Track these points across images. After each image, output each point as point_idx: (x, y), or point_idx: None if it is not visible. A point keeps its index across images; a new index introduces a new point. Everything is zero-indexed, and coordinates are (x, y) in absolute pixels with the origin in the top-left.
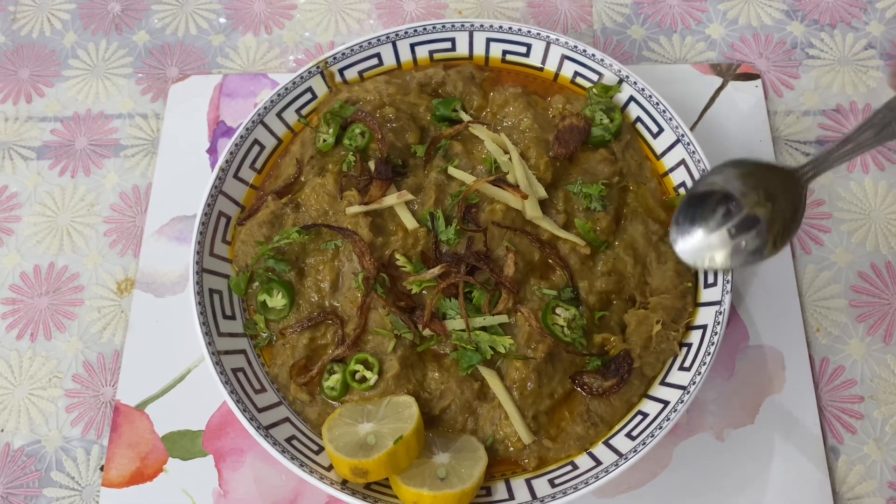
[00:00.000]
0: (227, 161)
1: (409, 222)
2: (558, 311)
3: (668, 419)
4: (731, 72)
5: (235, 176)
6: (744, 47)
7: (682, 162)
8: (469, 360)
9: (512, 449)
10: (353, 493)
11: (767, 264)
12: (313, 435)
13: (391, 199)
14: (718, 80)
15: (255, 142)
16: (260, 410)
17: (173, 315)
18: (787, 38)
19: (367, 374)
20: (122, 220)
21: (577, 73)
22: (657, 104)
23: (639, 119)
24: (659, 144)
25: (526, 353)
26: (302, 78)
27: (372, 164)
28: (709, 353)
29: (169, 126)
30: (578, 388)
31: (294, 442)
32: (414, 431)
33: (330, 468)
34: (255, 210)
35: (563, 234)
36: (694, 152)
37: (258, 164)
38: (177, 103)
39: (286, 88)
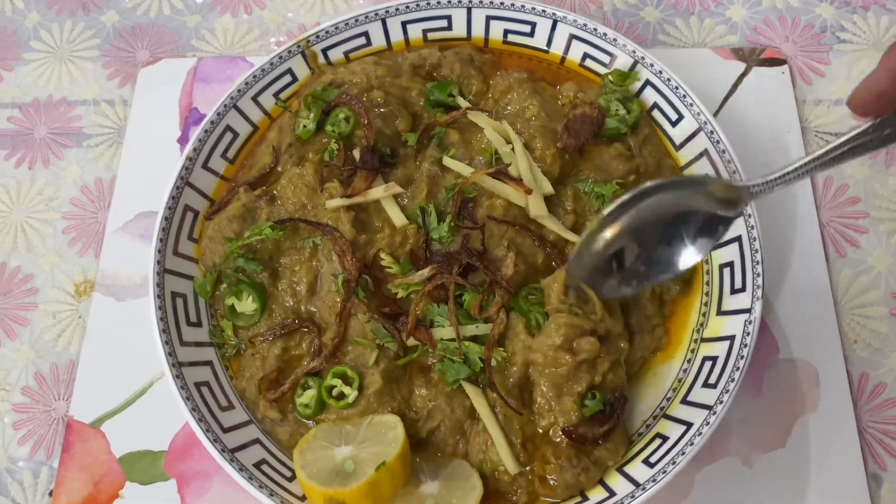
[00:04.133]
0: (195, 149)
1: (397, 218)
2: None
3: (692, 444)
4: (754, 57)
5: (205, 166)
6: (768, 30)
7: (705, 153)
8: (455, 374)
9: (500, 481)
10: None
11: (798, 268)
12: (286, 458)
13: (377, 192)
14: (741, 66)
15: (228, 128)
16: (226, 430)
17: (135, 321)
18: (815, 21)
19: (346, 389)
20: (82, 216)
21: (586, 55)
22: (676, 88)
23: (655, 105)
24: (678, 134)
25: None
26: (281, 58)
27: (357, 153)
28: (738, 368)
29: (137, 113)
30: (573, 441)
31: (264, 467)
32: (399, 456)
33: (304, 498)
34: (225, 203)
35: (571, 236)
36: (718, 141)
37: (230, 154)
38: (146, 89)
39: (263, 70)
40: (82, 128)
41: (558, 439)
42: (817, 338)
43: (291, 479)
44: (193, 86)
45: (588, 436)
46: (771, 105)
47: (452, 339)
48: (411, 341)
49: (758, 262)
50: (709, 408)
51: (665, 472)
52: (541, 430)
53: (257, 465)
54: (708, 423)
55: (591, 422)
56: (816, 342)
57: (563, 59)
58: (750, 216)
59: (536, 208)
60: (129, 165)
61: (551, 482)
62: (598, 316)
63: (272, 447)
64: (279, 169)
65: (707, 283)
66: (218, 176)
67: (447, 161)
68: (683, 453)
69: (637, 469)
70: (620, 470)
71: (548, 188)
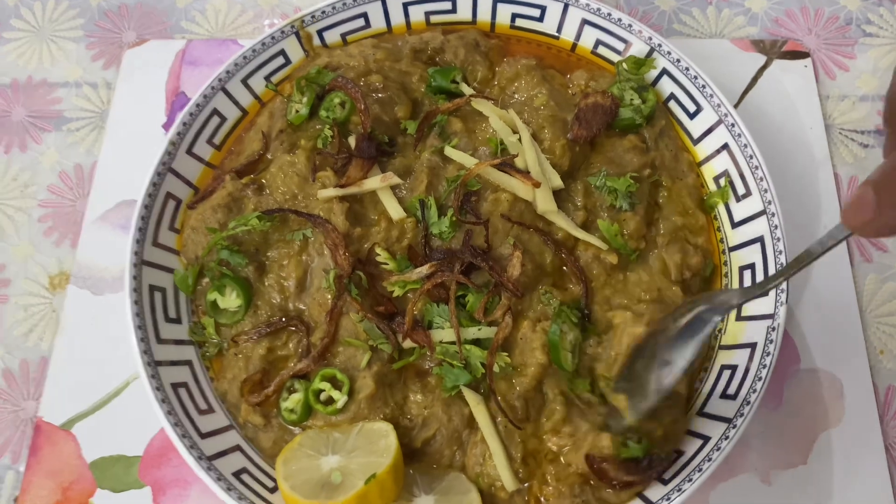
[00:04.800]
0: (178, 133)
1: (395, 211)
2: (566, 328)
3: (710, 459)
4: (775, 49)
5: (189, 152)
6: (790, 22)
7: (725, 147)
8: (454, 379)
9: (496, 497)
10: None
11: (822, 273)
12: (269, 467)
13: (373, 182)
14: (761, 59)
15: (215, 112)
16: (204, 436)
17: (112, 317)
18: (840, 13)
19: (335, 394)
20: (60, 203)
21: (599, 42)
22: (695, 78)
23: (672, 97)
24: (696, 127)
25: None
26: (273, 39)
27: (352, 141)
28: (759, 378)
29: (121, 97)
30: (593, 474)
31: (244, 476)
32: (391, 468)
33: None
34: (209, 192)
35: (582, 234)
36: (740, 135)
37: (217, 139)
38: (132, 71)
39: (254, 50)
40: (63, 111)
41: (568, 463)
42: (841, 347)
43: (274, 490)
44: (181, 69)
45: (609, 475)
46: (792, 100)
47: (452, 343)
48: (407, 343)
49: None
50: (728, 420)
51: (680, 489)
52: (550, 447)
53: (237, 475)
54: (727, 438)
55: (621, 464)
56: (840, 352)
57: (574, 46)
58: (774, 215)
59: (545, 203)
60: (110, 151)
61: None
62: None
63: (254, 455)
64: (269, 156)
65: (726, 287)
66: (203, 163)
67: (449, 151)
68: (700, 470)
69: (650, 487)
70: None
71: (557, 182)
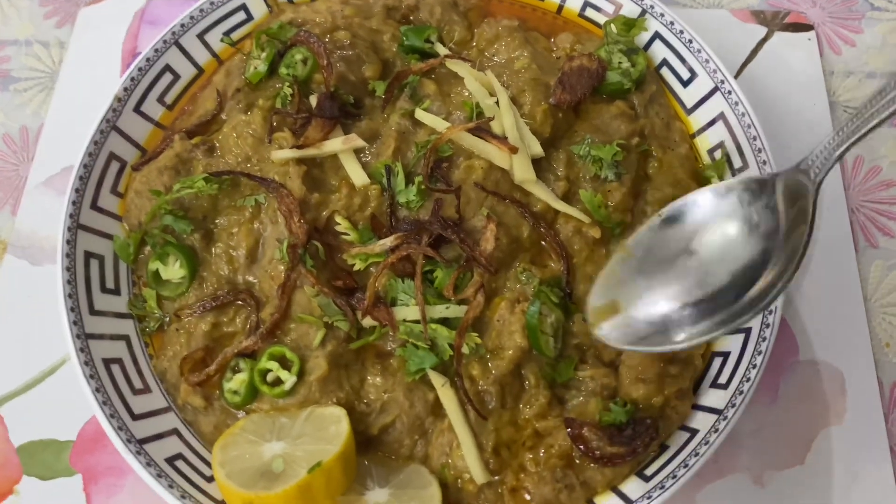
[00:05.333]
0: (126, 89)
1: (358, 176)
2: (545, 310)
3: (697, 454)
4: (777, 21)
5: (137, 110)
6: None
7: (721, 116)
8: (419, 362)
9: (463, 491)
10: None
11: (823, 259)
12: (209, 454)
13: (335, 145)
14: (762, 31)
15: (167, 69)
16: (137, 417)
17: (51, 289)
18: None
19: (283, 374)
20: (2, 168)
21: (586, 4)
22: (690, 42)
23: (665, 63)
24: (690, 95)
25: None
26: None
27: (314, 101)
28: (754, 366)
29: (74, 57)
30: (573, 442)
31: (178, 463)
32: (339, 456)
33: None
34: (157, 153)
35: (562, 206)
36: (737, 103)
37: (169, 98)
38: (87, 30)
39: (212, 3)
40: (10, 70)
41: (550, 445)
42: (844, 339)
43: (212, 479)
44: (140, 29)
45: (591, 444)
46: (794, 75)
47: (417, 322)
48: (368, 321)
49: None
50: (718, 412)
51: (663, 487)
52: (537, 428)
53: (171, 461)
54: (717, 430)
55: (604, 431)
56: (843, 343)
57: (560, 8)
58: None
59: (522, 171)
60: (58, 114)
61: (525, 496)
62: None
63: (192, 440)
64: (223, 116)
65: None
66: (152, 123)
67: (420, 114)
68: (686, 465)
69: (629, 484)
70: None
71: (536, 149)
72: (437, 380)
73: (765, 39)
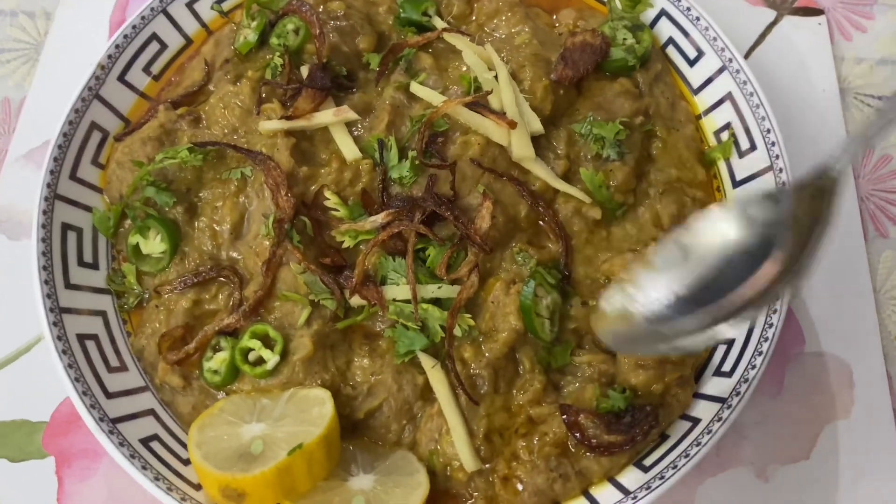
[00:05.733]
0: (109, 56)
1: (349, 150)
2: (541, 291)
3: (699, 444)
4: (787, 4)
5: (122, 79)
6: None
7: (729, 96)
8: (409, 343)
9: (452, 479)
10: None
11: (831, 248)
12: (186, 436)
13: (325, 116)
14: (771, 14)
15: (154, 38)
16: (111, 396)
17: (29, 265)
18: None
19: (266, 353)
20: None
21: None
22: (697, 20)
23: (671, 42)
24: (696, 74)
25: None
26: None
27: (305, 72)
28: (760, 353)
29: (59, 28)
30: (568, 429)
31: (154, 444)
32: (322, 439)
33: (200, 487)
34: (141, 124)
35: (562, 185)
36: (745, 82)
37: (155, 68)
38: (73, 1)
39: None
40: None
41: (545, 433)
42: (852, 330)
43: (189, 462)
44: (128, 1)
45: (587, 432)
46: (804, 60)
47: (408, 301)
48: (356, 300)
49: None
50: (722, 401)
51: (663, 477)
52: (531, 414)
53: (145, 442)
54: (720, 419)
55: (601, 418)
56: (851, 335)
57: None
58: (782, 171)
59: (521, 148)
60: (42, 86)
61: (517, 485)
62: None
63: (169, 421)
64: (211, 87)
65: None
66: (137, 93)
67: (415, 87)
68: (687, 455)
69: (627, 474)
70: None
71: (536, 126)
72: (427, 362)
73: (774, 23)
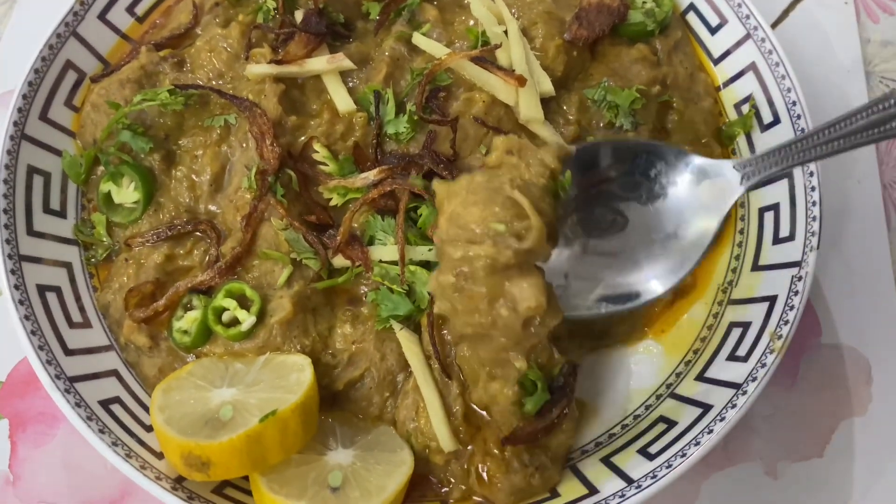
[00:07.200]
0: None
1: (342, 101)
2: None
3: (710, 431)
4: None
5: (102, 17)
6: None
7: (752, 67)
8: (392, 307)
9: (430, 462)
10: (190, 497)
11: (852, 236)
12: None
13: (318, 63)
14: None
15: None
16: (70, 353)
17: None
18: None
19: (241, 314)
20: None
21: None
22: None
23: (692, 7)
24: (718, 44)
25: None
26: None
27: (300, 17)
28: (780, 337)
29: None
30: (518, 447)
31: (114, 407)
32: (298, 406)
33: (163, 456)
34: (120, 66)
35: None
36: (771, 51)
37: (139, 8)
38: None
39: None
40: None
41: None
42: (872, 322)
43: (151, 428)
44: None
45: (538, 431)
46: (828, 39)
47: (395, 263)
48: (339, 261)
49: (814, 203)
50: (736, 387)
51: (670, 466)
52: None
53: (105, 404)
54: (734, 406)
55: (534, 420)
56: (870, 327)
57: None
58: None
59: (529, 109)
60: (18, 29)
61: (497, 485)
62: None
63: (133, 384)
64: (198, 31)
65: (741, 232)
66: (118, 34)
67: (417, 38)
68: (698, 443)
69: (631, 461)
70: (607, 461)
71: (547, 86)
72: (401, 333)
73: (798, 0)
